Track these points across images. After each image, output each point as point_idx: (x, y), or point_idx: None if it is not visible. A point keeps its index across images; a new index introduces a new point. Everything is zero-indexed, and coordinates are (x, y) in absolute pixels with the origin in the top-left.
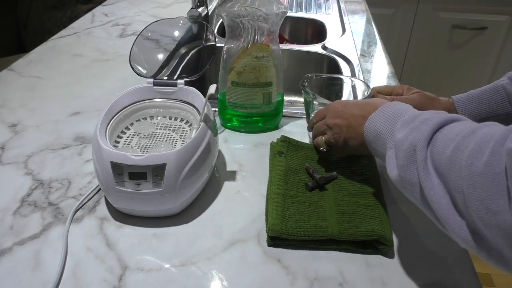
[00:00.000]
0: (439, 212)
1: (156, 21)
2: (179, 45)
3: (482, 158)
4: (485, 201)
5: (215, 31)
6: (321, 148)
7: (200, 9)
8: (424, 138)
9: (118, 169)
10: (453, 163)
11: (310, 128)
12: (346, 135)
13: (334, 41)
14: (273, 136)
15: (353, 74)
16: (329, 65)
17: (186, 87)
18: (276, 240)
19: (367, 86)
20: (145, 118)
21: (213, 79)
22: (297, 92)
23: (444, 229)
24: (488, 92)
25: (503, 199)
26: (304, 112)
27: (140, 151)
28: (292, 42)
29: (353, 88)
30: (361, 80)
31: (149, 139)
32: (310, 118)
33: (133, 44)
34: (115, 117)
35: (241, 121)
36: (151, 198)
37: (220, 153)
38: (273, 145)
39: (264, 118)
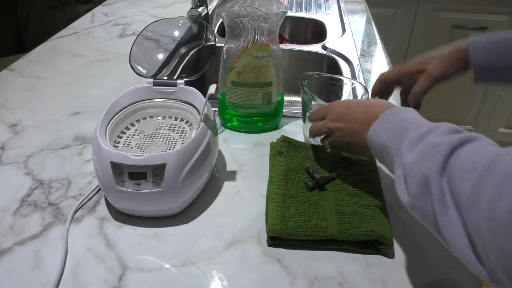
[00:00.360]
0: (456, 251)
1: (156, 21)
2: (179, 45)
3: (504, 203)
4: (510, 252)
5: (215, 31)
6: (327, 150)
7: (200, 9)
8: (437, 169)
9: (118, 169)
10: (473, 204)
11: (309, 120)
12: (349, 140)
13: (334, 41)
14: (273, 136)
15: (353, 74)
16: (329, 65)
17: (186, 87)
18: (276, 240)
19: (366, 90)
20: (145, 118)
21: (213, 79)
22: (297, 92)
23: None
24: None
25: None
26: None
27: (140, 151)
28: (292, 42)
29: (353, 90)
30: (361, 83)
31: (149, 139)
32: (307, 118)
33: (133, 44)
34: (115, 117)
35: (241, 121)
36: (151, 198)
37: (220, 153)
38: (273, 145)
39: (264, 118)
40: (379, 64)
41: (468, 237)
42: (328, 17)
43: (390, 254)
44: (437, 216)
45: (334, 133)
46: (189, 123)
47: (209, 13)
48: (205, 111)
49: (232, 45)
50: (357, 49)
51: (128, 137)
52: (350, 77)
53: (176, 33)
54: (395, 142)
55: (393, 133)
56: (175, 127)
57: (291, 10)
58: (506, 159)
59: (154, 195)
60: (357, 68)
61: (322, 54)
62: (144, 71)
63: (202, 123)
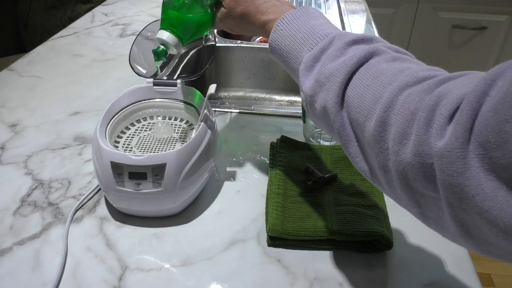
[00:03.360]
0: (362, 173)
1: (156, 20)
2: None
3: (408, 145)
4: (416, 188)
5: (215, 31)
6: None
7: None
8: (335, 103)
9: (118, 169)
10: (378, 142)
11: None
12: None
13: None
14: (273, 136)
15: None
16: None
17: (186, 87)
18: (276, 240)
19: None
20: (145, 118)
21: (213, 79)
22: (297, 92)
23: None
24: None
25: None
26: None
27: (140, 151)
28: None
29: None
30: None
31: (149, 139)
32: (306, 118)
33: (132, 44)
34: (115, 117)
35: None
36: (151, 198)
37: (220, 153)
38: (273, 145)
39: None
40: None
41: (369, 167)
42: (328, 17)
43: (390, 254)
44: (342, 145)
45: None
46: (189, 123)
47: None
48: (205, 111)
49: None
50: None
51: (128, 137)
52: None
53: None
54: (293, 60)
55: (290, 47)
56: (175, 127)
57: None
58: (404, 93)
59: (154, 195)
60: None
61: None
62: (144, 71)
63: (202, 123)
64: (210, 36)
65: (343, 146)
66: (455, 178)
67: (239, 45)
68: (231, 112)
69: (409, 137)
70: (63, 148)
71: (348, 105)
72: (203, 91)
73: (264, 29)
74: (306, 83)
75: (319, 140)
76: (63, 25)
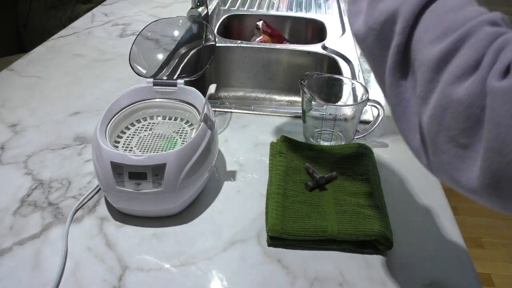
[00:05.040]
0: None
1: (156, 20)
2: (179, 45)
3: (466, 82)
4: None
5: (215, 31)
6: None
7: (200, 9)
8: (408, 11)
9: (118, 169)
10: (434, 68)
11: None
12: None
13: (334, 41)
14: (273, 136)
15: (353, 74)
16: (329, 65)
17: (186, 87)
18: (276, 240)
19: (366, 90)
20: (145, 118)
21: (213, 79)
22: (297, 92)
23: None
24: None
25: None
26: None
27: (140, 151)
28: (292, 42)
29: (353, 90)
30: (361, 83)
31: (149, 139)
32: (306, 118)
33: (132, 44)
34: (115, 117)
35: None
36: (151, 198)
37: (220, 153)
38: (273, 145)
39: None
40: None
41: (406, 95)
42: (328, 17)
43: (390, 254)
44: (390, 64)
45: None
46: (189, 123)
47: (209, 13)
48: (205, 111)
49: None
50: (357, 49)
51: (128, 137)
52: (350, 77)
53: (176, 33)
54: None
55: None
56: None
57: (291, 10)
58: (484, 30)
59: (154, 195)
60: (357, 68)
61: (322, 54)
62: (144, 71)
63: (202, 123)
64: (210, 36)
65: (390, 66)
66: (508, 119)
67: (239, 45)
68: (231, 112)
69: (471, 73)
70: (63, 148)
71: (421, 20)
72: (203, 91)
73: None
74: None
75: (319, 140)
76: (63, 25)
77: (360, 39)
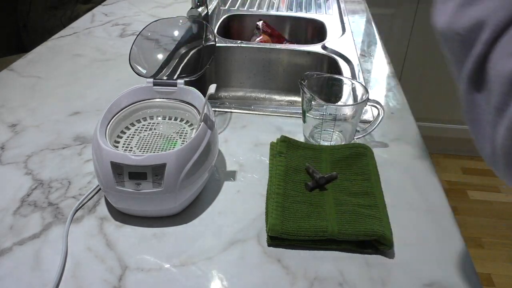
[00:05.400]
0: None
1: (156, 20)
2: (179, 45)
3: None
4: None
5: (215, 31)
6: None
7: (200, 9)
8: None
9: (118, 169)
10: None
11: None
12: None
13: (334, 41)
14: (273, 136)
15: (353, 74)
16: (329, 65)
17: (186, 87)
18: (276, 240)
19: (366, 90)
20: (145, 118)
21: (213, 79)
22: (297, 92)
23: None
24: None
25: None
26: None
27: (140, 151)
28: (292, 42)
29: (353, 90)
30: (361, 83)
31: (149, 139)
32: (306, 118)
33: (132, 44)
34: (115, 117)
35: None
36: (151, 198)
37: (220, 153)
38: (273, 145)
39: None
40: (379, 64)
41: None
42: (328, 17)
43: (390, 254)
44: (468, 67)
45: None
46: (189, 123)
47: (209, 13)
48: (205, 111)
49: None
50: (357, 49)
51: (128, 137)
52: (350, 77)
53: (176, 33)
54: None
55: None
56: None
57: (291, 10)
58: None
59: (154, 195)
60: (357, 68)
61: (322, 54)
62: (144, 71)
63: (202, 123)
64: (210, 36)
65: (466, 72)
66: None
67: (239, 45)
68: (231, 112)
69: None
70: (63, 148)
71: (507, 33)
72: (203, 91)
73: None
74: None
75: (319, 140)
76: (63, 25)
77: (443, 38)
